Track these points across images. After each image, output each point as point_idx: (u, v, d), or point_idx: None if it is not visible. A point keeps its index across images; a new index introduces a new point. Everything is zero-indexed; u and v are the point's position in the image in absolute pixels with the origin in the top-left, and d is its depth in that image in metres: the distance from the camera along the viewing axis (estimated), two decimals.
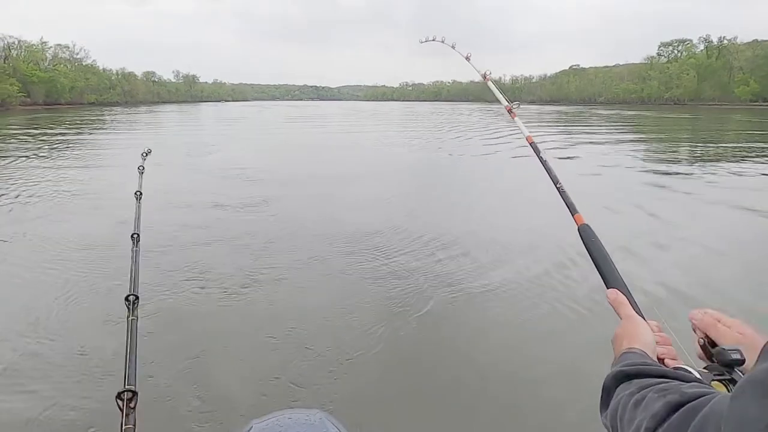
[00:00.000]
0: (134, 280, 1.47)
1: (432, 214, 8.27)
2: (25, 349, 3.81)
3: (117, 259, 5.46)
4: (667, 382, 0.63)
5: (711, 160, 15.82)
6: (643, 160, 16.09)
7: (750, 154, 17.23)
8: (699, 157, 17.02)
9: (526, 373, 3.69)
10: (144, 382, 3.26)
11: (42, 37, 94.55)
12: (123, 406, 1.02)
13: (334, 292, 5.00)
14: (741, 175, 12.76)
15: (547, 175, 1.53)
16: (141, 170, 2.76)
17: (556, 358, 3.87)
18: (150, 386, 3.27)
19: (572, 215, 1.33)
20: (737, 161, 15.62)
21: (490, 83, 2.32)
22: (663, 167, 14.43)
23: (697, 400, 0.52)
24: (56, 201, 9.21)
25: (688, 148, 20.32)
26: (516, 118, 1.96)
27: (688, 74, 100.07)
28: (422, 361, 3.95)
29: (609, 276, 1.06)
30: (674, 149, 19.48)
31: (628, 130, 31.43)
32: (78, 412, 3.10)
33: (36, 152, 17.31)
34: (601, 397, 0.71)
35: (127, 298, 1.35)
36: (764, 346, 0.44)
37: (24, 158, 15.51)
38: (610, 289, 1.01)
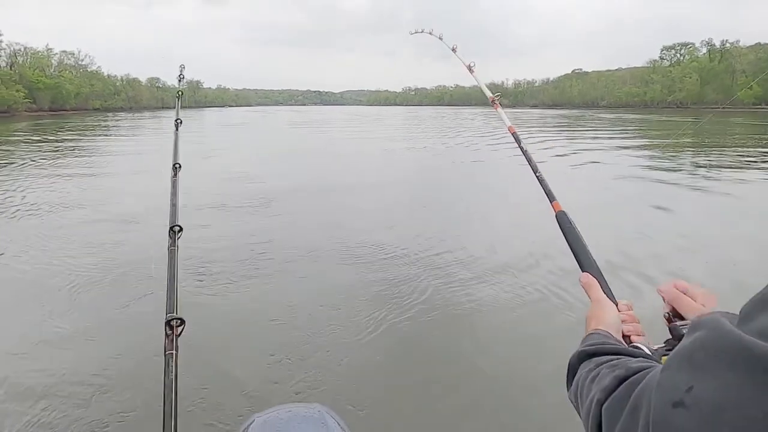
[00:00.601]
0: (175, 213, 1.48)
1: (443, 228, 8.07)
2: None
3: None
4: (619, 358, 0.67)
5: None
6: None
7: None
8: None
9: (532, 373, 3.69)
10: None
11: (47, 44, 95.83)
12: (171, 332, 1.07)
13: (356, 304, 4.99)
14: None
15: (528, 164, 1.58)
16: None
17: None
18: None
19: (550, 202, 1.38)
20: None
21: (475, 75, 2.38)
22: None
23: (639, 373, 0.56)
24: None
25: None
26: (498, 109, 2.03)
27: (690, 77, 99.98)
28: (429, 357, 4.03)
29: (583, 260, 1.11)
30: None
31: (632, 134, 31.40)
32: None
33: (45, 157, 17.55)
34: (567, 375, 0.76)
35: (172, 229, 1.37)
36: (692, 321, 0.48)
37: (32, 163, 15.74)
38: (583, 273, 1.06)
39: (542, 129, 35.82)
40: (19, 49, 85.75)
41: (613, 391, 0.57)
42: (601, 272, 1.06)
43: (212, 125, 45.98)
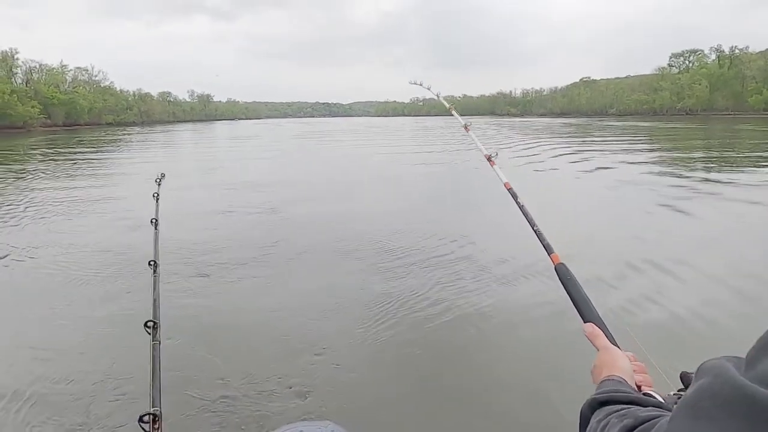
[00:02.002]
0: (156, 307, 1.51)
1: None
2: (47, 373, 3.85)
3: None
4: (629, 407, 0.67)
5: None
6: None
7: None
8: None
9: (543, 384, 3.61)
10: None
11: (62, 61, 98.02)
12: (149, 428, 1.07)
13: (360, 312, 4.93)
14: None
15: (525, 219, 1.61)
16: (156, 197, 2.75)
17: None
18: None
19: (549, 255, 1.38)
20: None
21: (471, 133, 2.57)
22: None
23: (647, 423, 0.56)
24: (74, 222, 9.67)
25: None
26: (494, 166, 2.08)
27: (700, 84, 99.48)
28: (440, 367, 4.00)
29: (585, 311, 1.11)
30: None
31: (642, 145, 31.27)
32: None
33: (65, 171, 17.99)
34: (579, 423, 0.74)
35: (146, 324, 1.37)
36: (698, 368, 0.47)
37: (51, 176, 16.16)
38: (586, 323, 1.06)
39: (552, 136, 35.80)
40: (35, 66, 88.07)
41: None
42: (603, 322, 1.06)
43: (224, 139, 46.42)
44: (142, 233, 7.61)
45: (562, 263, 1.28)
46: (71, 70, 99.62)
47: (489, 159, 2.16)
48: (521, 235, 1.82)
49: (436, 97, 3.53)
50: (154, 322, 1.38)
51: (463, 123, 2.69)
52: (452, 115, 3.09)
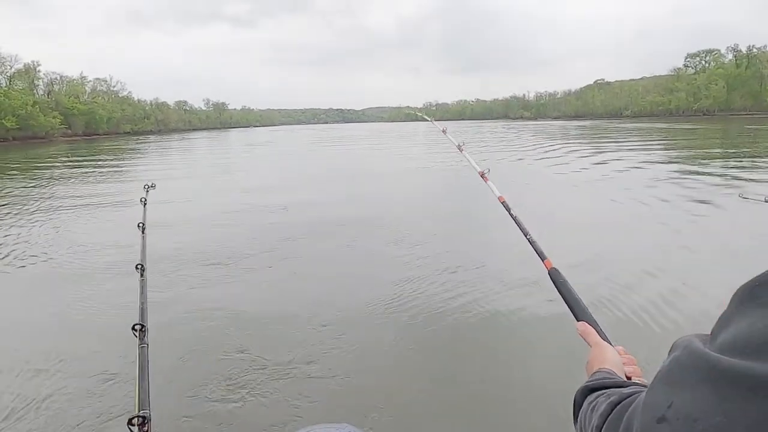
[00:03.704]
0: (143, 311, 1.53)
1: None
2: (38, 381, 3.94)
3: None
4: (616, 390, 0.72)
5: None
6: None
7: None
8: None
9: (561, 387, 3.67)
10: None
11: (81, 72, 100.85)
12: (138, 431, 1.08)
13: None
14: None
15: (519, 229, 1.74)
16: (144, 202, 2.86)
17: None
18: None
19: (542, 260, 1.48)
20: None
21: (465, 154, 2.69)
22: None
23: (630, 397, 0.62)
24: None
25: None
26: (488, 182, 2.23)
27: (716, 84, 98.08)
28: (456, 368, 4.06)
29: (577, 310, 1.19)
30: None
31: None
32: None
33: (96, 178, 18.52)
34: (573, 411, 0.79)
35: (134, 327, 1.38)
36: (672, 345, 0.53)
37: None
38: (579, 322, 1.13)
39: (565, 138, 35.69)
40: (56, 78, 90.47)
41: (608, 415, 0.62)
42: (594, 320, 1.13)
43: (239, 147, 46.90)
44: (151, 236, 7.93)
45: (555, 268, 1.38)
46: (90, 81, 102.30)
47: (482, 175, 2.31)
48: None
49: (432, 123, 3.59)
50: (142, 325, 1.40)
51: (457, 144, 2.83)
52: (446, 136, 3.20)
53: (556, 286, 1.32)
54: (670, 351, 0.52)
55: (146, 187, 3.17)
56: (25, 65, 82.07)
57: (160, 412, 3.12)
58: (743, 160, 18.72)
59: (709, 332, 0.48)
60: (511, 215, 1.84)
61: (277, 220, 9.96)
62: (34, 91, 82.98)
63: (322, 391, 3.72)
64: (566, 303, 1.24)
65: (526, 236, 1.66)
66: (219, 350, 4.35)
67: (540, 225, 6.63)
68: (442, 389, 3.77)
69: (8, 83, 77.63)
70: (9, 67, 78.87)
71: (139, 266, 1.87)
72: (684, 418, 0.43)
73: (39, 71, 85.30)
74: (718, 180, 13.59)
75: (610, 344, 1.02)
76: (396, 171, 19.82)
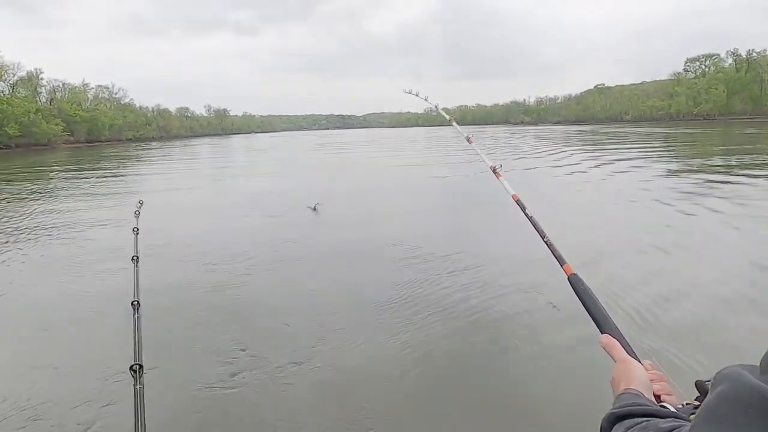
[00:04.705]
0: (138, 350, 1.44)
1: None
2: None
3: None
4: (648, 420, 0.68)
5: None
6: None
7: None
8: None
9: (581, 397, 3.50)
10: None
11: (84, 79, 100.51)
12: None
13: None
14: None
15: (535, 230, 1.57)
16: (136, 232, 2.58)
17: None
18: None
19: (561, 266, 1.34)
20: None
21: (474, 145, 2.57)
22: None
23: None
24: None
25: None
26: (500, 178, 2.05)
27: (716, 89, 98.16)
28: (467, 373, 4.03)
29: (601, 321, 1.08)
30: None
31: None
32: None
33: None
34: None
35: (132, 368, 1.31)
36: (714, 377, 0.49)
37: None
38: (603, 335, 1.03)
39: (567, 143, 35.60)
40: (58, 85, 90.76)
41: None
42: (620, 332, 1.04)
43: (240, 154, 46.87)
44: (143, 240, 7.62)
45: (575, 273, 1.25)
46: (93, 88, 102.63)
47: (494, 171, 2.11)
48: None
49: (434, 108, 3.33)
50: (139, 365, 1.31)
51: (465, 135, 2.69)
52: (452, 125, 3.06)
53: (577, 294, 1.19)
54: (713, 382, 0.48)
55: (136, 211, 2.85)
56: (27, 73, 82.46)
57: None
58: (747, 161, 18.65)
59: (758, 363, 0.45)
60: (527, 215, 1.67)
61: (280, 227, 9.94)
62: (37, 98, 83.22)
63: (323, 393, 3.71)
64: (588, 313, 1.13)
65: (543, 239, 1.49)
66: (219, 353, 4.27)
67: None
68: (446, 392, 3.75)
69: (11, 91, 77.94)
70: (12, 75, 79.25)
71: (134, 303, 1.77)
72: None
73: (42, 79, 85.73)
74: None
75: (637, 358, 0.96)
76: (395, 172, 19.81)
